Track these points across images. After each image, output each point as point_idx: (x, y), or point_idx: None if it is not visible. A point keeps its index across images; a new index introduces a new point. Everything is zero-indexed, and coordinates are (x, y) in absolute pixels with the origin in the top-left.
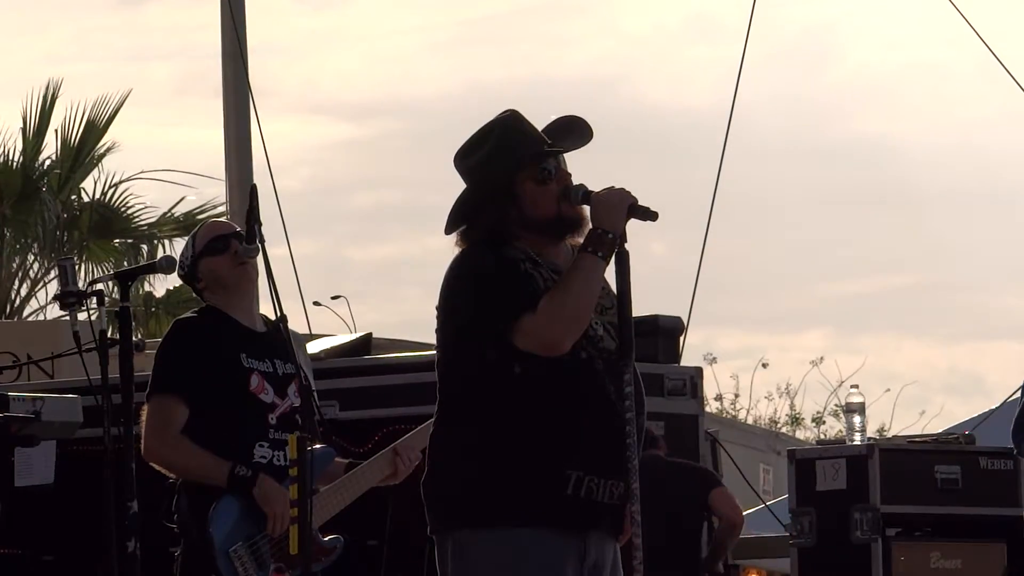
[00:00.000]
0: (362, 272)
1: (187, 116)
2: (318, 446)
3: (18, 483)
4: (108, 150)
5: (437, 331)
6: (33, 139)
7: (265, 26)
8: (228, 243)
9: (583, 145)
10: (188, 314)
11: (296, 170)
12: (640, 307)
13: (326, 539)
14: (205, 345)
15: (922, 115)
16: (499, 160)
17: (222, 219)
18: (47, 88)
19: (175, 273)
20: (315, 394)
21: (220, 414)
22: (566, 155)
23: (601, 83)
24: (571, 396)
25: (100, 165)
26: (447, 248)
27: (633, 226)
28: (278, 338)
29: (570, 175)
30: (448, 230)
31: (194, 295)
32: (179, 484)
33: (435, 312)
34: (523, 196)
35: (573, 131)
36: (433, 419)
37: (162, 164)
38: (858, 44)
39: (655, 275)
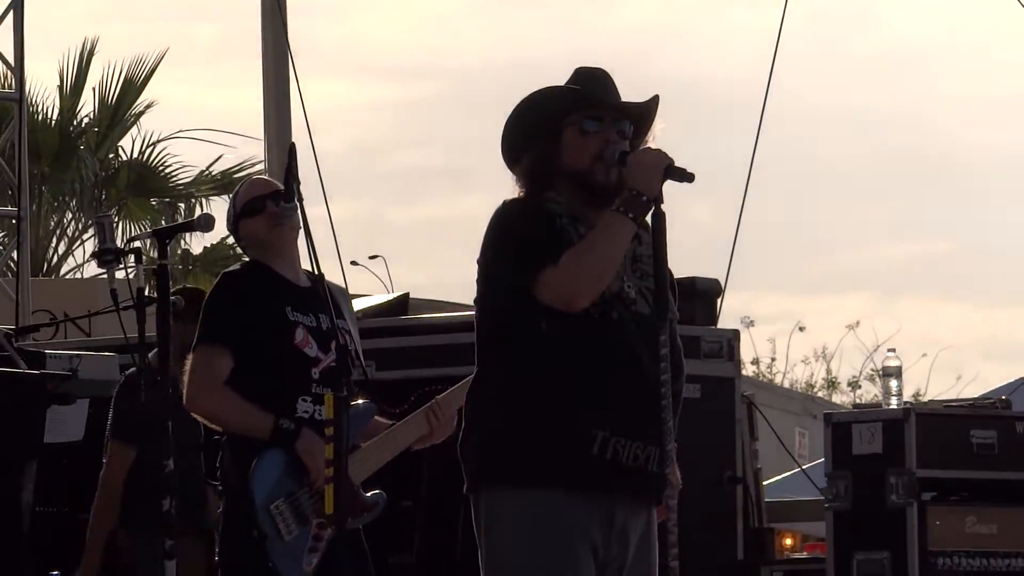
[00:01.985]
0: (401, 233)
1: (227, 77)
2: (360, 402)
3: (48, 439)
4: (147, 108)
5: (476, 282)
6: (70, 97)
7: None
8: (264, 204)
9: (644, 112)
10: (235, 267)
11: (336, 131)
12: (679, 270)
13: (368, 495)
14: (251, 298)
15: (962, 81)
16: (559, 96)
17: (262, 176)
18: (84, 47)
19: (212, 231)
20: (360, 352)
21: (265, 367)
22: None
23: (643, 46)
24: (598, 356)
25: (138, 124)
26: (487, 209)
27: (675, 189)
28: (318, 294)
29: (622, 142)
30: (504, 157)
31: (231, 253)
32: (223, 441)
33: (476, 266)
34: (565, 141)
35: (649, 116)
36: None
37: (201, 124)
38: (898, 9)
39: (696, 239)
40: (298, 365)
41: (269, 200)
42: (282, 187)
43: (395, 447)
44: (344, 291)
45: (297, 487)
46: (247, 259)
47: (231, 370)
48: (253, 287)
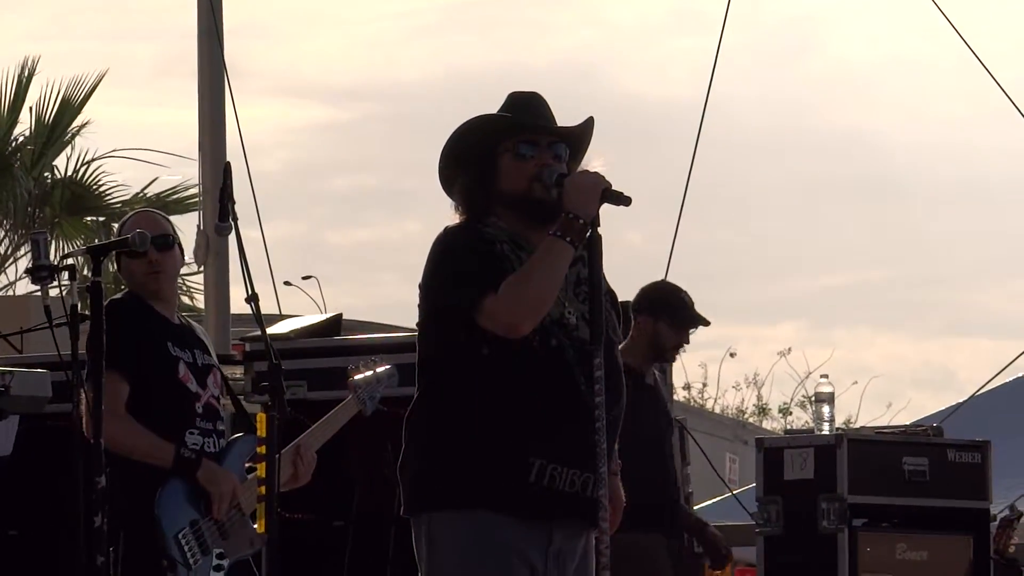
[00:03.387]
0: (338, 255)
1: (165, 97)
2: (239, 435)
3: None
4: (83, 127)
5: (418, 307)
6: (7, 116)
7: (245, 7)
8: (146, 251)
9: (578, 134)
10: (119, 297)
11: (274, 152)
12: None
13: (255, 526)
14: (139, 329)
15: (899, 109)
16: (493, 122)
17: (152, 211)
18: (23, 65)
19: (147, 249)
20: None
21: (153, 400)
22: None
23: (581, 71)
24: (536, 383)
25: (73, 143)
26: (423, 232)
27: (610, 213)
28: (191, 331)
29: (559, 165)
30: (441, 184)
31: None
32: (112, 474)
33: (417, 291)
34: (500, 167)
35: (584, 138)
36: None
37: (138, 144)
38: (836, 37)
39: (630, 264)
40: (182, 399)
41: (152, 246)
42: (168, 232)
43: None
44: (205, 331)
45: (199, 516)
46: (128, 291)
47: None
48: (139, 319)
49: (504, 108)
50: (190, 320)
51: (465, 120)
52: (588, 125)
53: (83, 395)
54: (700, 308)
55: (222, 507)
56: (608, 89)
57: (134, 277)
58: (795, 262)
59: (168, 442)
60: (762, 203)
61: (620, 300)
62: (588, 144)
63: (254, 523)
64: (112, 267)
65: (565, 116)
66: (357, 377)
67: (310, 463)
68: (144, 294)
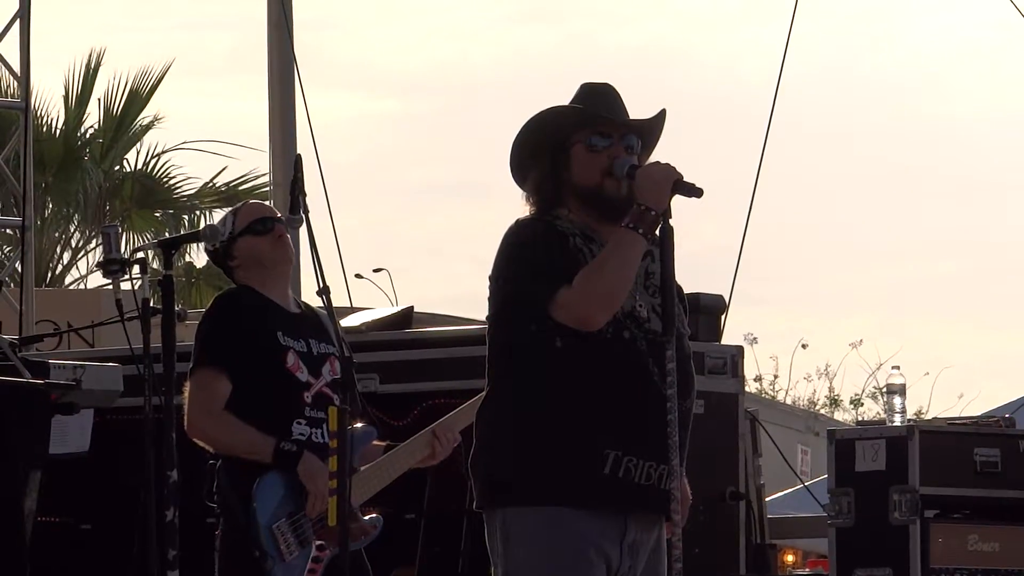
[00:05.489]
0: (409, 247)
1: (235, 89)
2: (358, 425)
3: (52, 451)
4: (152, 123)
5: (488, 301)
6: (76, 108)
7: None
8: (273, 226)
9: (652, 126)
10: (227, 290)
11: (346, 144)
12: (684, 286)
13: (366, 518)
14: (245, 321)
15: (974, 99)
16: (566, 114)
17: (264, 200)
18: (90, 57)
19: (215, 244)
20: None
21: (258, 391)
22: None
23: (653, 62)
24: (611, 374)
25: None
26: (494, 223)
27: (681, 204)
28: (312, 319)
29: (630, 156)
30: (513, 174)
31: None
32: (219, 464)
33: (487, 284)
34: (573, 158)
35: (656, 129)
36: (483, 393)
37: (207, 136)
38: (910, 27)
39: (702, 255)
40: (291, 389)
41: (278, 223)
42: (280, 216)
43: (395, 470)
44: (328, 317)
45: (298, 508)
46: (240, 284)
47: (230, 392)
48: (246, 311)
49: (577, 99)
50: (317, 310)
51: (537, 112)
52: (660, 117)
53: (184, 388)
54: (770, 300)
55: (317, 505)
56: (680, 79)
57: (260, 256)
58: (867, 253)
59: (269, 436)
60: (833, 194)
61: (690, 292)
62: (659, 135)
63: (363, 515)
64: (182, 260)
65: (637, 106)
66: None
67: (449, 443)
68: (263, 277)
